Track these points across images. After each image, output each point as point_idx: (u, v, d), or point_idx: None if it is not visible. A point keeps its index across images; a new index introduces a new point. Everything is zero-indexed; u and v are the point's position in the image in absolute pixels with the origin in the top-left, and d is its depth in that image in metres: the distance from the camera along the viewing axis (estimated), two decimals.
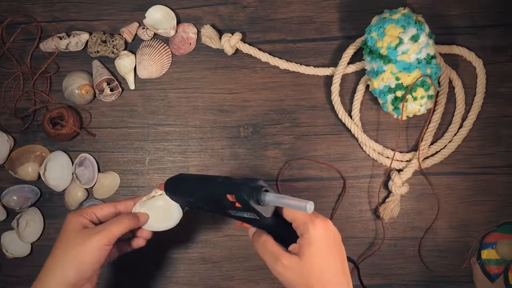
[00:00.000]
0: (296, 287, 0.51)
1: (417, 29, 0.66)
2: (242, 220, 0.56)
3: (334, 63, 0.75)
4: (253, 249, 0.74)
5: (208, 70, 0.77)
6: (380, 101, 0.71)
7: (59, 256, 0.56)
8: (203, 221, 0.76)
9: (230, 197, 0.53)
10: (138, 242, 0.63)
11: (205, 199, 0.57)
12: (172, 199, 0.62)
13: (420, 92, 0.67)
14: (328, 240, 0.51)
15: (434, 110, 0.74)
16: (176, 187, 0.62)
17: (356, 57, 0.75)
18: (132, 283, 0.75)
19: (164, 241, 0.75)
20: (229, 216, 0.56)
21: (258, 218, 0.53)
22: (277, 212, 0.54)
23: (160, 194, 0.63)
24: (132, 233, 0.63)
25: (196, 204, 0.60)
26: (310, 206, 0.48)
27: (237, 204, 0.52)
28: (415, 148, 0.75)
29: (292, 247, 0.53)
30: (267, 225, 0.55)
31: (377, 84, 0.69)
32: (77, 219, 0.58)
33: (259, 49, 0.76)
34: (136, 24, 0.78)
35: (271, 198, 0.51)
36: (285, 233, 0.54)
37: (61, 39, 0.76)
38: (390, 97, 0.69)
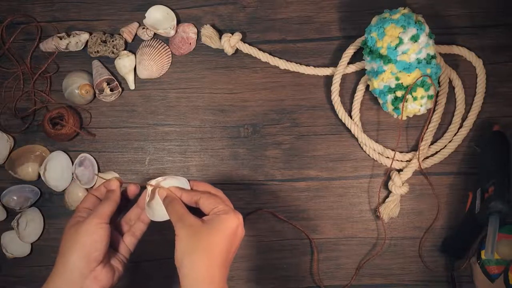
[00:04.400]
0: (181, 250, 0.54)
1: (417, 29, 0.66)
2: None
3: (334, 63, 0.75)
4: (252, 249, 0.75)
5: (208, 70, 0.77)
6: (380, 101, 0.71)
7: (61, 253, 0.57)
8: None
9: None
10: (140, 227, 0.64)
11: None
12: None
13: (420, 92, 0.67)
14: (236, 231, 0.55)
15: (434, 110, 0.74)
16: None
17: (356, 57, 0.75)
18: (132, 283, 0.75)
19: (164, 241, 0.75)
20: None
21: None
22: None
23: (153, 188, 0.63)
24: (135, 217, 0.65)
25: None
26: None
27: None
28: (415, 148, 0.75)
29: (205, 217, 0.56)
30: None
31: (377, 84, 0.69)
32: (72, 220, 0.60)
33: (259, 49, 0.76)
34: (136, 24, 0.78)
35: None
36: None
37: (61, 39, 0.76)
38: (390, 97, 0.69)
